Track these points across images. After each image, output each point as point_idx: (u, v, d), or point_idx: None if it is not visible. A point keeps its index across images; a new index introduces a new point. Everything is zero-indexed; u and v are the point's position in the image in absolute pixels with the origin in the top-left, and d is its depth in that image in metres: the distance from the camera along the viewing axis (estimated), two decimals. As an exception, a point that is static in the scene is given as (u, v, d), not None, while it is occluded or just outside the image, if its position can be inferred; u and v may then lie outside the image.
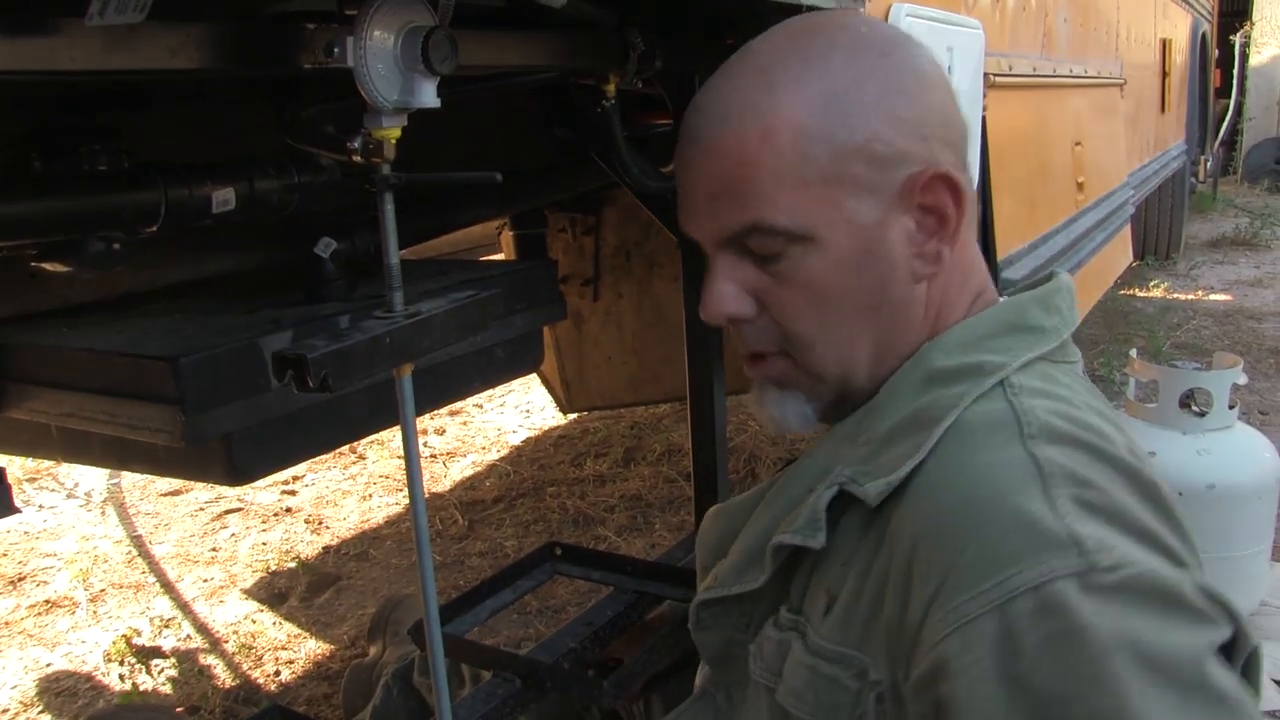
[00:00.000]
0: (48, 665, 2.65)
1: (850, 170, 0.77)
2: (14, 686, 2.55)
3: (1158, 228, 6.97)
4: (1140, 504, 0.71)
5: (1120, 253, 3.84)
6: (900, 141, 0.78)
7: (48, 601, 2.99)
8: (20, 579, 3.13)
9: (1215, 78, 8.47)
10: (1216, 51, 8.29)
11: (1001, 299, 0.88)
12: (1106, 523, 0.67)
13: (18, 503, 1.08)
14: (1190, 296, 6.25)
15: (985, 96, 1.95)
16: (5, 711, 2.45)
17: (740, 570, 0.82)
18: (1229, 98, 9.14)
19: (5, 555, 3.26)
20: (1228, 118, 9.05)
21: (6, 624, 2.86)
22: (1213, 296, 6.24)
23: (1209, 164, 8.69)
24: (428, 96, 0.93)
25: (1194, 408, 2.45)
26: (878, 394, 0.82)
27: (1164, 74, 5.53)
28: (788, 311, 0.82)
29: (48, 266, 1.11)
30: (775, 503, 0.84)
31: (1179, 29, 6.10)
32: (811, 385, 0.84)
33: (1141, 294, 6.30)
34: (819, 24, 0.83)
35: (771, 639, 0.82)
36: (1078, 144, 3.06)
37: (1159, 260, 7.04)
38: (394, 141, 0.95)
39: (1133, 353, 2.64)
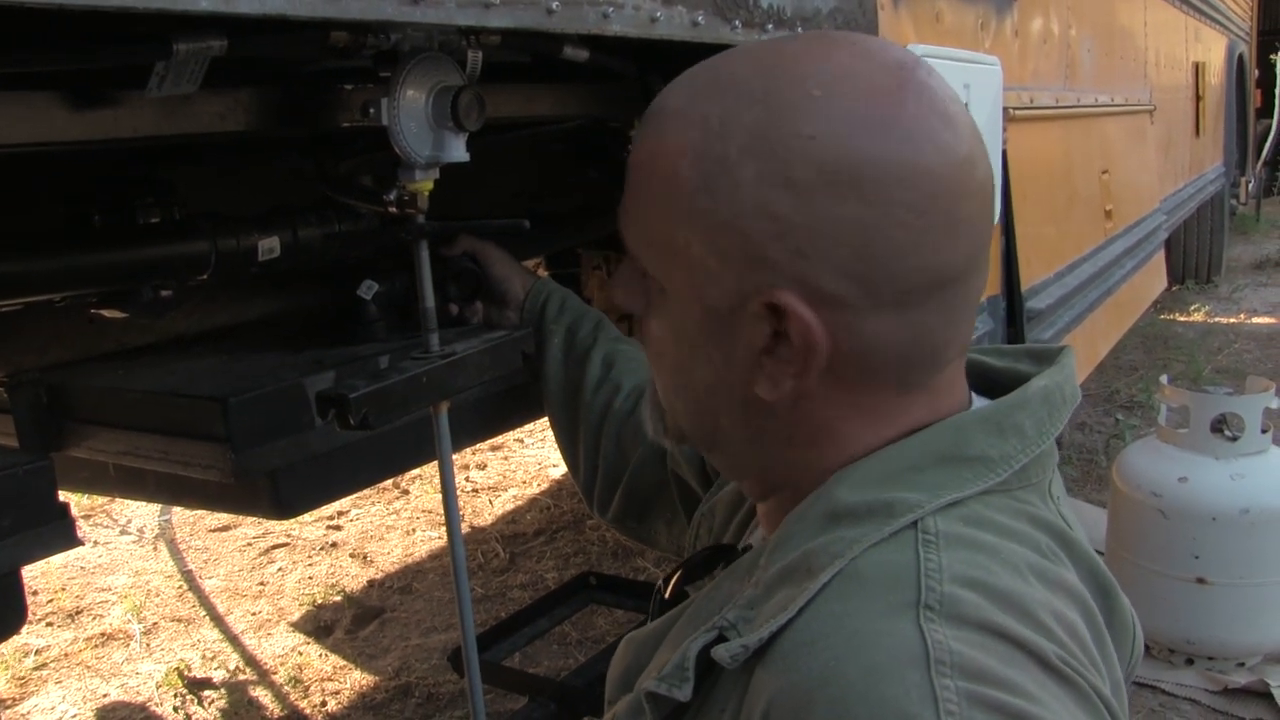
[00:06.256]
0: (104, 696, 2.73)
1: (714, 238, 0.65)
2: (74, 716, 2.64)
3: (1197, 251, 6.91)
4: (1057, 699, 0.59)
5: (1153, 279, 3.83)
6: (762, 242, 0.63)
7: (103, 634, 3.07)
8: (78, 612, 3.23)
9: (1256, 98, 8.42)
10: (1256, 72, 8.24)
11: (950, 418, 0.70)
12: None
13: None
14: (1232, 320, 6.19)
15: (1005, 130, 1.99)
16: (64, 741, 2.53)
17: (633, 712, 0.71)
18: (1272, 117, 9.04)
19: (64, 589, 3.36)
20: (1270, 137, 8.95)
21: (66, 655, 2.96)
22: (1255, 319, 6.18)
23: (1250, 185, 8.60)
24: (457, 151, 0.99)
25: (1226, 432, 2.45)
26: (783, 522, 0.69)
27: (1197, 98, 5.52)
28: (645, 336, 0.75)
29: (105, 313, 1.18)
30: (677, 639, 0.72)
31: (1213, 52, 6.09)
32: (662, 408, 0.78)
33: (1182, 318, 6.24)
34: (808, 52, 0.67)
35: None
36: (1105, 172, 3.08)
37: (1199, 284, 6.98)
38: (427, 194, 1.02)
39: (1163, 378, 2.64)
